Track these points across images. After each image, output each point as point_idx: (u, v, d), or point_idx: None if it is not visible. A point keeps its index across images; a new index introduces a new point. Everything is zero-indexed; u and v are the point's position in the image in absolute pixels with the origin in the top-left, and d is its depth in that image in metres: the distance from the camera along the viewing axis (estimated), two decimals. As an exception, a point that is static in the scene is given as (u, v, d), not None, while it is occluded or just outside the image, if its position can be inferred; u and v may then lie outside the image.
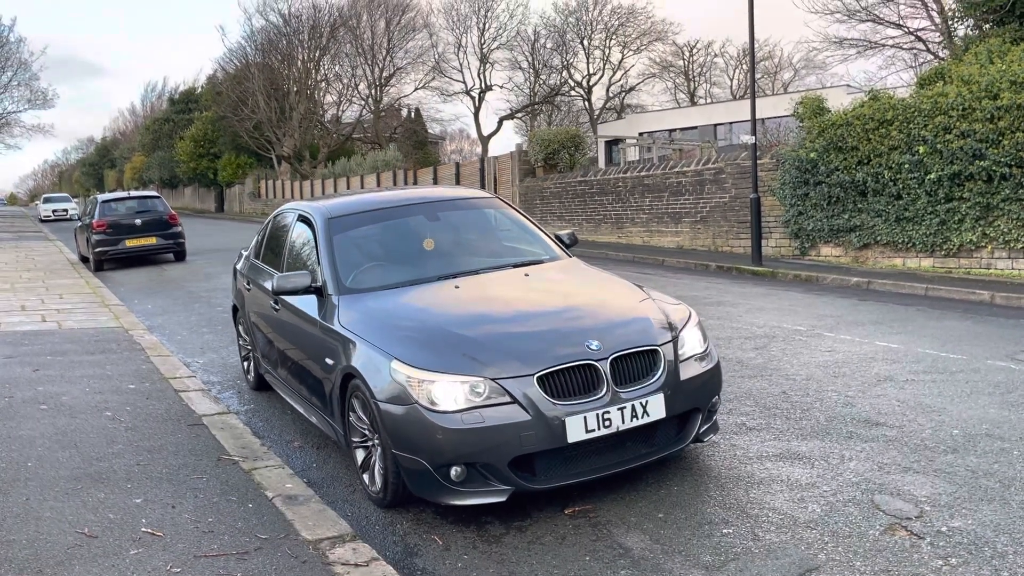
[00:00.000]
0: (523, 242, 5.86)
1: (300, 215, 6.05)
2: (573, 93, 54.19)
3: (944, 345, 7.47)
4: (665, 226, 18.02)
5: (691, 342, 4.55)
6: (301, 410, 5.64)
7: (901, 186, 12.59)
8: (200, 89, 60.00)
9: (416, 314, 4.67)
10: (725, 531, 3.88)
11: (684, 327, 4.59)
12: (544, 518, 4.18)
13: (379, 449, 4.35)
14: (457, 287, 5.00)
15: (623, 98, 55.63)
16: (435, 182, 29.72)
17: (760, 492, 4.28)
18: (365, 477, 4.60)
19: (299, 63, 47.25)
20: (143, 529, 4.05)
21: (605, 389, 4.10)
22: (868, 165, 13.07)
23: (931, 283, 11.08)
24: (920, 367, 6.68)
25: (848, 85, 35.81)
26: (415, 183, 31.28)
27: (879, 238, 13.20)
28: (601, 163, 40.46)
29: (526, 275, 5.23)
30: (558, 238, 6.00)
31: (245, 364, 7.29)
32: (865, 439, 4.99)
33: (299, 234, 5.98)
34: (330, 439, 5.55)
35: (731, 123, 42.14)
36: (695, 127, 42.55)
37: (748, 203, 15.06)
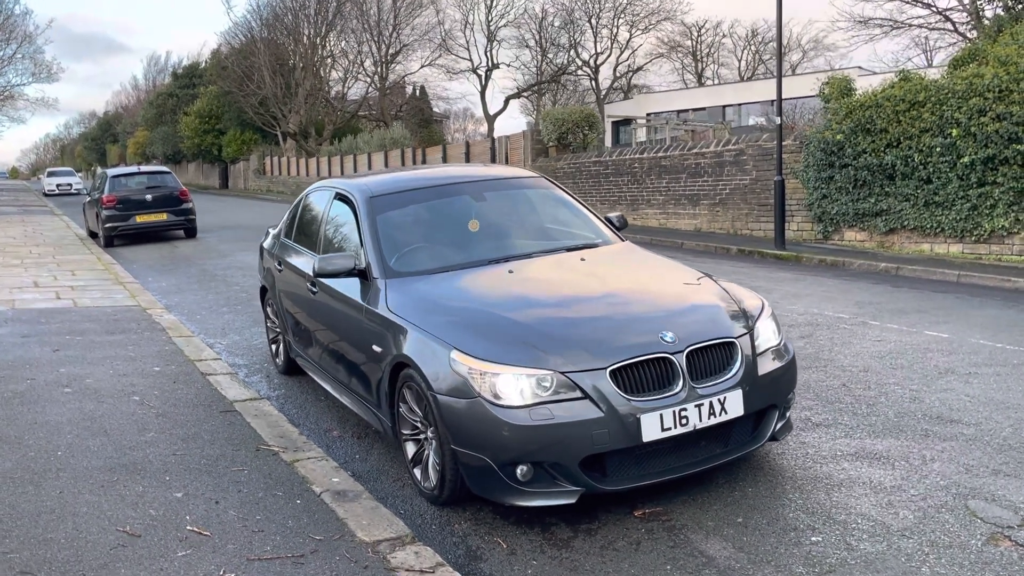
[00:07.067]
0: (574, 225, 5.58)
1: (338, 193, 5.75)
2: (580, 72, 53.64)
3: (996, 335, 7.21)
4: (682, 208, 17.71)
5: (766, 333, 4.28)
6: (341, 397, 5.38)
7: (932, 170, 12.26)
8: (204, 64, 59.33)
9: (472, 300, 4.40)
10: (814, 539, 3.62)
11: (759, 318, 4.32)
12: (613, 520, 3.92)
13: (434, 443, 4.10)
14: (511, 272, 4.73)
15: (630, 78, 55.09)
16: (444, 160, 29.40)
17: (843, 495, 4.02)
18: (416, 472, 4.34)
19: (305, 38, 46.71)
20: (188, 527, 3.80)
21: (681, 384, 3.84)
22: (897, 148, 12.74)
23: (962, 270, 10.81)
24: (979, 359, 6.42)
25: (859, 67, 35.34)
26: (424, 162, 30.93)
27: (906, 223, 12.90)
28: (608, 143, 40.05)
29: (582, 259, 4.95)
30: (608, 220, 5.72)
31: (273, 347, 7.03)
32: (943, 437, 4.73)
33: (337, 213, 5.69)
34: (370, 428, 5.31)
35: (740, 104, 41.69)
36: (703, 108, 42.11)
37: (769, 186, 14.75)
